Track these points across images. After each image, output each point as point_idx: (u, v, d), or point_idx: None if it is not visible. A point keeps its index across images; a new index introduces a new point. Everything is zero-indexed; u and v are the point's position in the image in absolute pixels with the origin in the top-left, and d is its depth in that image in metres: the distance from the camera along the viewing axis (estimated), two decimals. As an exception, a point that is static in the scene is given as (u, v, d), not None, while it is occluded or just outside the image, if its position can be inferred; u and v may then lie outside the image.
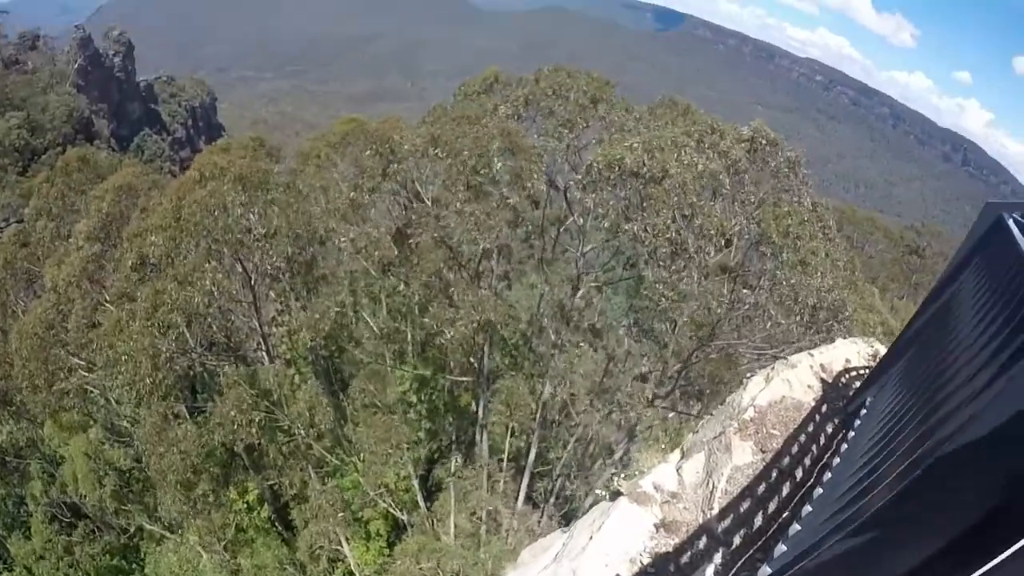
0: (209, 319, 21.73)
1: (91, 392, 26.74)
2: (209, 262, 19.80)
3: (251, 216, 20.28)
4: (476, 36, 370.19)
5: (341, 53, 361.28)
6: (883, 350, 12.54)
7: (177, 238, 19.73)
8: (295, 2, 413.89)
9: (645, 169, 15.77)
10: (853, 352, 13.00)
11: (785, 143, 20.34)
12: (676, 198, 15.78)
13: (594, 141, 18.87)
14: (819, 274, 16.27)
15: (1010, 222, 6.34)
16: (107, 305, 23.72)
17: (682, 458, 10.34)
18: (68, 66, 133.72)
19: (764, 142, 19.26)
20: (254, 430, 19.28)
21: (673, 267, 16.59)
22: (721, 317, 17.13)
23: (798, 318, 16.72)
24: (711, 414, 11.99)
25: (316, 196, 22.58)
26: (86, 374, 25.16)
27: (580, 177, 17.48)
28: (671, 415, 22.10)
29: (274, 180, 22.81)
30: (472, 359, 21.27)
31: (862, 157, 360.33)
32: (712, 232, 16.14)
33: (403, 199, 21.50)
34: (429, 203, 19.21)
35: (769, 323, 16.90)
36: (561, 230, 20.65)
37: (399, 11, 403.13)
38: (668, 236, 15.90)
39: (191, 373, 24.39)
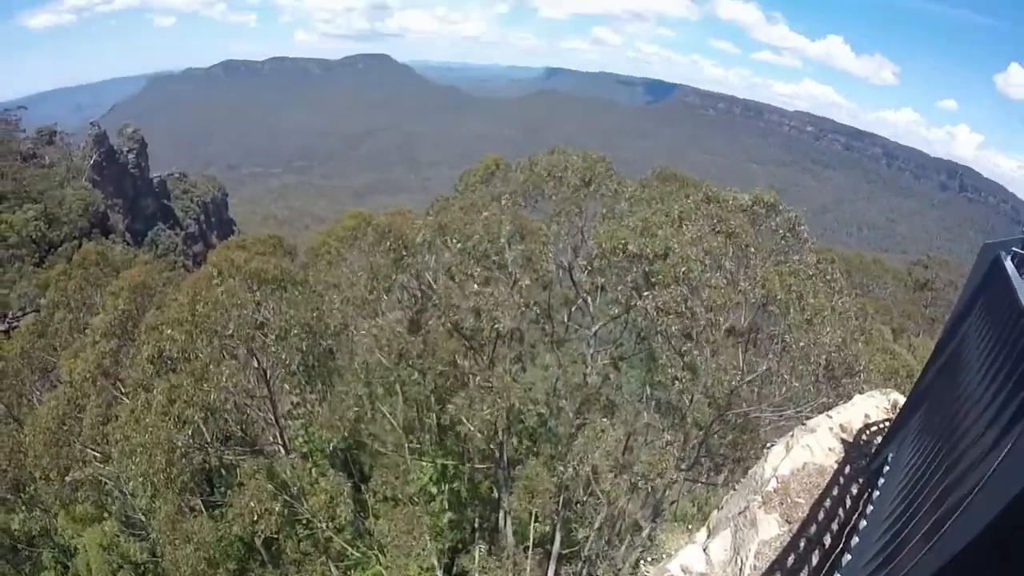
0: (225, 414, 21.73)
1: (106, 484, 26.34)
2: (224, 357, 19.98)
3: (266, 312, 20.51)
4: (473, 125, 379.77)
5: (345, 148, 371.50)
6: (901, 400, 12.37)
7: (193, 333, 19.83)
8: (299, 100, 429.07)
9: (648, 250, 15.95)
10: (872, 407, 12.82)
11: (783, 204, 20.51)
12: (681, 274, 15.87)
13: (596, 218, 19.13)
14: (828, 332, 16.15)
15: (1007, 263, 6.32)
16: (123, 398, 23.73)
17: (708, 536, 10.14)
18: (84, 161, 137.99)
19: (763, 207, 19.39)
20: (274, 521, 18.94)
21: (684, 347, 16.60)
22: (735, 388, 16.99)
23: (813, 378, 16.58)
24: (735, 488, 11.77)
25: (329, 291, 22.77)
26: (101, 466, 24.93)
27: (584, 261, 17.67)
28: (697, 485, 21.71)
29: (288, 276, 23.00)
30: (492, 445, 21.05)
31: (860, 200, 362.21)
32: (719, 303, 16.12)
33: (415, 289, 21.67)
34: (441, 291, 19.33)
35: (784, 387, 16.76)
36: (573, 309, 20.73)
37: (398, 106, 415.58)
38: (677, 311, 15.94)
39: (207, 466, 24.27)
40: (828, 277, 18.89)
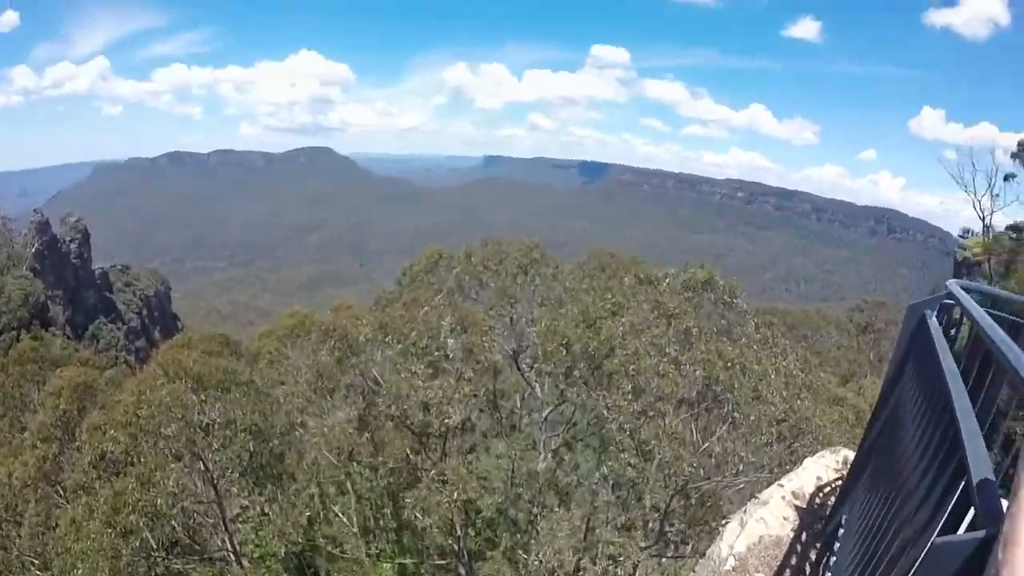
0: (172, 520, 20.78)
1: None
2: (170, 461, 19.30)
3: (212, 414, 19.93)
4: (416, 214, 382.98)
5: (290, 240, 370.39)
6: (851, 455, 12.38)
7: (138, 436, 19.27)
8: (244, 193, 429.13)
9: (592, 347, 16.07)
10: (823, 468, 12.79)
11: (719, 275, 20.91)
12: (631, 372, 15.95)
13: (536, 304, 19.23)
14: (774, 402, 16.30)
15: (931, 322, 6.43)
16: (64, 503, 22.39)
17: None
18: (25, 249, 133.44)
19: (699, 284, 19.74)
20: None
21: (637, 429, 16.56)
22: (689, 471, 16.94)
23: (766, 448, 16.64)
24: (694, 572, 11.55)
25: (275, 390, 22.32)
26: (40, 573, 23.34)
27: (529, 359, 17.69)
28: (664, 560, 21.33)
29: (234, 378, 22.45)
30: (451, 540, 20.50)
31: (796, 255, 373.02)
32: (668, 392, 16.20)
33: (362, 386, 21.37)
34: (387, 389, 19.07)
35: (740, 463, 16.76)
36: (525, 395, 20.60)
37: (341, 198, 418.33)
38: (628, 409, 15.97)
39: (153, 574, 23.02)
40: (770, 343, 19.18)
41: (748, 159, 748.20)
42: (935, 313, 6.78)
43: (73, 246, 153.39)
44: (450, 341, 18.50)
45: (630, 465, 16.63)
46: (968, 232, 48.20)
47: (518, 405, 20.77)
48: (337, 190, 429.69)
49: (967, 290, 6.36)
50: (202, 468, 20.67)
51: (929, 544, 3.02)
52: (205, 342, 29.55)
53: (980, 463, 2.49)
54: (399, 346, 18.34)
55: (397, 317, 18.95)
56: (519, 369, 19.31)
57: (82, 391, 26.79)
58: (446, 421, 17.78)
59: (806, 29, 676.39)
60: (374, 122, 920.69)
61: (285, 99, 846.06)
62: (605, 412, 16.23)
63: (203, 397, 20.01)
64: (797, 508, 11.11)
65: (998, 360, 3.54)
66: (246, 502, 22.33)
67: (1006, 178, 40.94)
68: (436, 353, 18.54)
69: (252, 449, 21.07)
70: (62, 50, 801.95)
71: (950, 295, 6.55)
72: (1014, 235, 42.61)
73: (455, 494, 17.07)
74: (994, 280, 37.17)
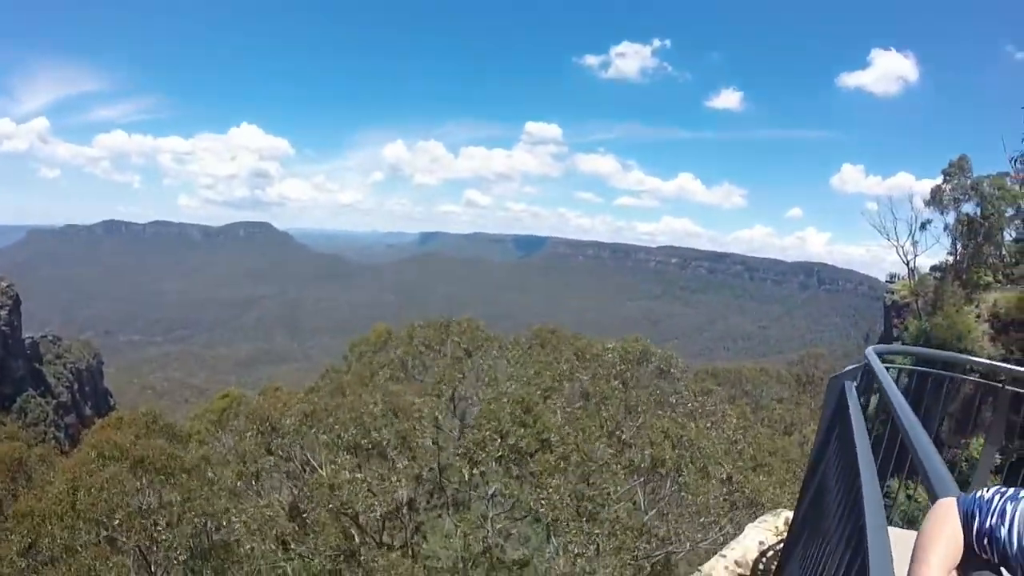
0: None
1: None
2: (111, 553, 18.15)
3: (150, 499, 19.09)
4: (354, 291, 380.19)
5: (227, 317, 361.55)
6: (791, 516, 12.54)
7: (74, 526, 18.07)
8: (180, 266, 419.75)
9: (524, 443, 16.20)
10: (764, 532, 12.93)
11: (654, 348, 21.32)
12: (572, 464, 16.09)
13: (484, 384, 19.29)
14: (717, 477, 16.55)
15: (850, 395, 6.70)
16: None
17: None
18: None
19: (636, 355, 20.12)
20: None
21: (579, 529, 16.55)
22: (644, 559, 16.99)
23: (715, 522, 16.81)
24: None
25: (207, 475, 21.61)
26: None
27: (468, 444, 17.71)
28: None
29: (170, 461, 21.60)
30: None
31: (732, 315, 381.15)
32: (607, 487, 16.33)
33: (294, 470, 20.92)
34: (321, 473, 18.74)
35: (687, 544, 16.89)
36: (473, 472, 20.46)
37: (279, 274, 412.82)
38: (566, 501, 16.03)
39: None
40: (708, 411, 19.52)
41: (680, 225, 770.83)
42: (856, 383, 7.03)
43: (3, 313, 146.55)
44: (383, 431, 18.34)
45: (579, 556, 16.52)
46: (894, 277, 50.61)
47: (466, 479, 20.56)
48: (275, 266, 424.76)
49: (891, 354, 6.68)
50: (141, 556, 19.59)
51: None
52: (137, 422, 28.49)
53: (881, 560, 2.64)
54: (324, 438, 18.12)
55: (322, 407, 18.78)
56: (466, 450, 19.22)
57: (15, 467, 25.20)
58: (371, 514, 17.53)
59: (728, 99, 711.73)
60: (312, 197, 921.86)
61: (224, 171, 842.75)
62: (546, 511, 16.22)
63: (142, 482, 19.17)
64: (742, 576, 11.22)
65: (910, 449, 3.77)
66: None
67: (923, 226, 43.98)
68: (364, 441, 18.33)
69: (190, 533, 20.11)
70: (3, 106, 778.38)
71: (867, 367, 6.89)
72: (937, 275, 45.05)
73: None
74: (922, 318, 38.63)
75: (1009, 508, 1.89)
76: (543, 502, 15.98)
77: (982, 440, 17.83)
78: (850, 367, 7.56)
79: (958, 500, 2.04)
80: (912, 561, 2.04)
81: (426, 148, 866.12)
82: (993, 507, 1.92)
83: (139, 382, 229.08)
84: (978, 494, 2.01)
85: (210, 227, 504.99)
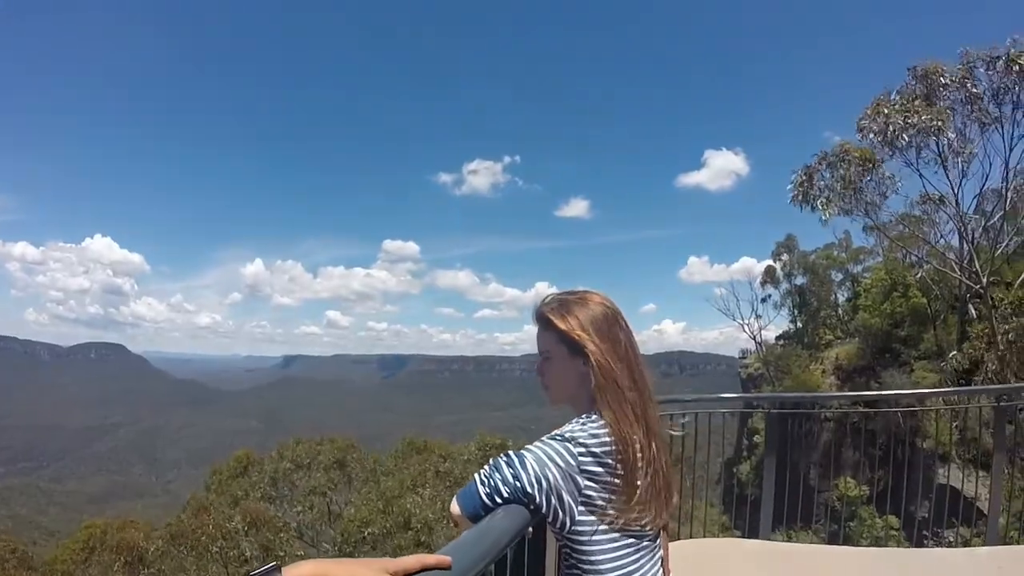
0: None
1: None
2: None
3: None
4: (214, 418, 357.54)
5: (77, 446, 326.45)
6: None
7: None
8: (25, 389, 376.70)
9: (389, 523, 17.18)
10: None
11: (511, 441, 22.75)
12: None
13: (357, 491, 19.98)
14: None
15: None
16: None
17: None
18: None
19: (491, 449, 21.51)
20: None
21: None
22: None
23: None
24: None
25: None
26: None
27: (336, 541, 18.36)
28: None
29: None
30: None
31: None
32: None
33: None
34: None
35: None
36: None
37: (134, 399, 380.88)
38: None
39: None
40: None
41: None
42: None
43: None
44: (243, 543, 18.69)
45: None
46: (746, 352, 53.53)
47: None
48: (129, 391, 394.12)
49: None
50: None
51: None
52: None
53: None
54: (193, 554, 18.32)
55: (189, 523, 19.00)
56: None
57: None
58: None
59: (577, 208, 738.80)
60: (169, 319, 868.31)
61: (75, 286, 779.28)
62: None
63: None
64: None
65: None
66: None
67: (763, 301, 48.47)
68: (231, 552, 18.62)
69: None
70: None
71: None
72: (782, 343, 48.92)
73: None
74: (774, 384, 41.50)
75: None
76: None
77: (849, 479, 19.67)
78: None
79: None
80: None
81: (284, 268, 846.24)
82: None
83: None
84: None
85: (59, 347, 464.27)
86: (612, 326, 2.00)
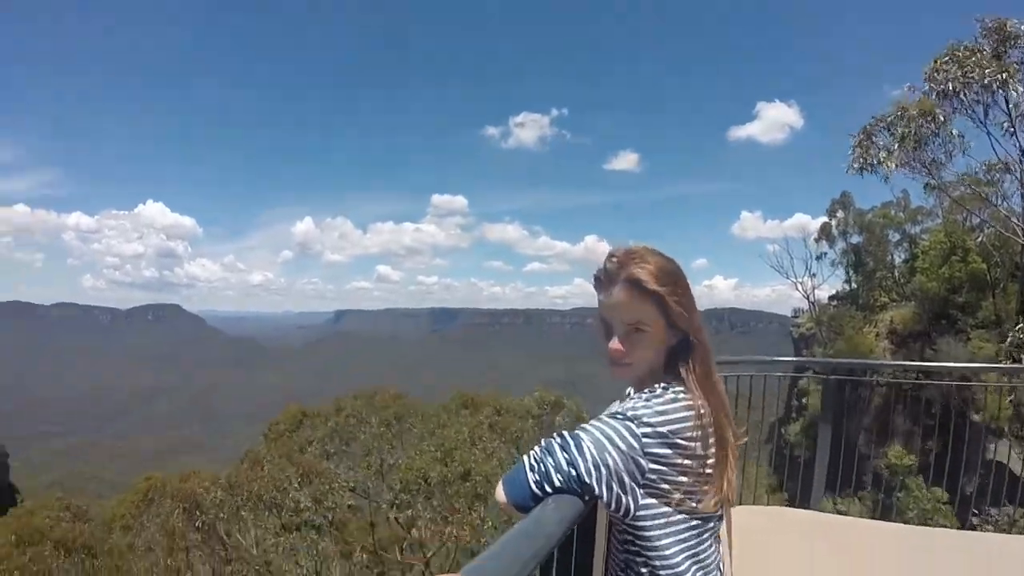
0: None
1: None
2: None
3: None
4: (268, 375, 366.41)
5: (138, 405, 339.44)
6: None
7: None
8: (87, 351, 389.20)
9: (448, 474, 17.08)
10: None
11: (566, 400, 22.54)
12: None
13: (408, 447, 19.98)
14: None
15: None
16: None
17: None
18: None
19: (548, 406, 21.28)
20: None
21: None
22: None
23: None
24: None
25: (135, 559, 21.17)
26: None
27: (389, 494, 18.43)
28: None
29: (99, 544, 20.98)
30: None
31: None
32: None
33: (217, 545, 20.91)
34: (245, 544, 18.92)
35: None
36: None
37: (191, 358, 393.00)
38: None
39: None
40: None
41: (591, 289, 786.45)
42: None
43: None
44: (295, 493, 18.85)
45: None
46: (799, 311, 52.58)
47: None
48: (186, 351, 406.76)
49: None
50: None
51: None
52: (51, 511, 27.30)
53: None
54: (249, 503, 18.54)
55: (243, 476, 19.22)
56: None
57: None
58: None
59: (627, 161, 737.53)
60: (223, 278, 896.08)
61: (130, 251, 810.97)
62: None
63: (66, 564, 18.38)
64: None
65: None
66: None
67: (818, 258, 46.87)
68: (286, 503, 18.82)
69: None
70: None
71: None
72: (835, 303, 47.61)
73: None
74: (826, 345, 40.71)
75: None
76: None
77: (899, 447, 19.17)
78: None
79: None
80: None
81: (334, 225, 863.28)
82: None
83: (47, 478, 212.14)
84: None
85: (117, 310, 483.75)
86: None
